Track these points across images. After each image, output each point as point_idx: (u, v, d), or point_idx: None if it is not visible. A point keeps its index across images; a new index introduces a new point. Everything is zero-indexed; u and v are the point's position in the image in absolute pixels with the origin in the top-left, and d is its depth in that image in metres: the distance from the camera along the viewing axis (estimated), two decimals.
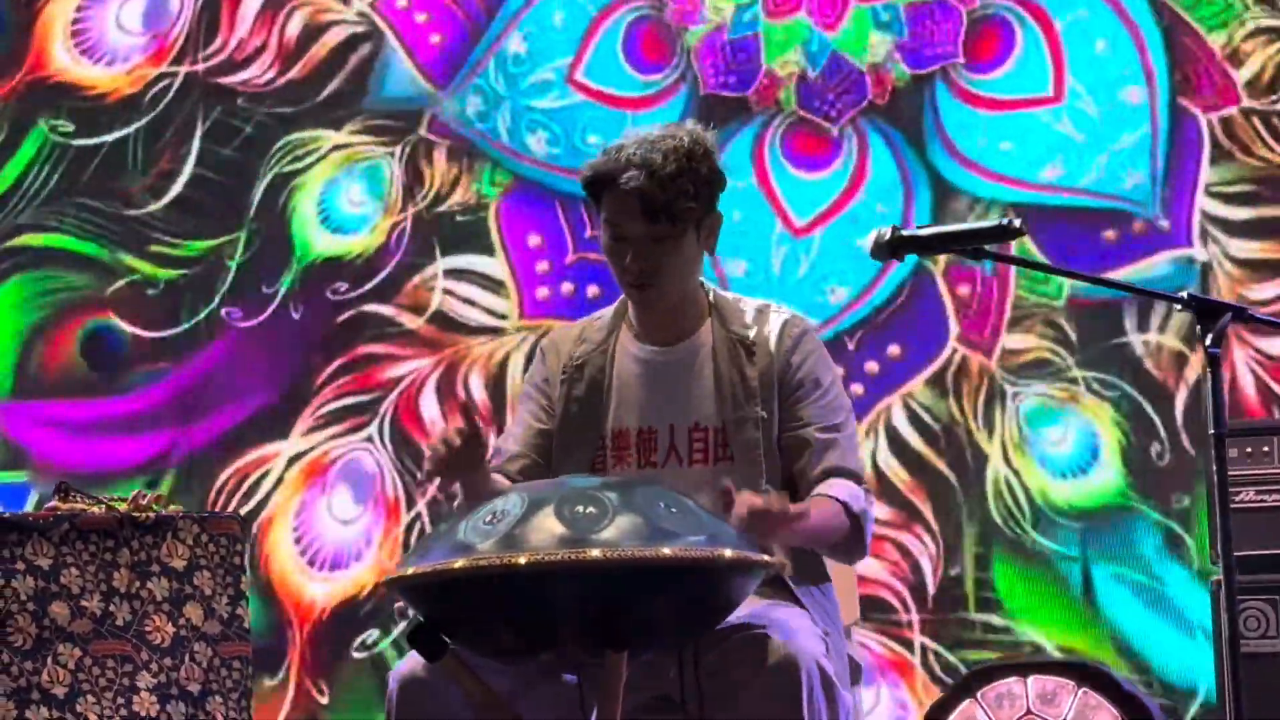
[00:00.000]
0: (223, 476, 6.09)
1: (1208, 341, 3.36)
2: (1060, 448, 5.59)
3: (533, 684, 3.67)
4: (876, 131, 5.75)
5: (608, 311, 4.03)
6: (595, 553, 3.28)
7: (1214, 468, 3.37)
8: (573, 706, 3.63)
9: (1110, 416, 5.56)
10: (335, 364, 6.08)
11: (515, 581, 3.30)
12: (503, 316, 6.01)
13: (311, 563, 6.06)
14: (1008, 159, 5.77)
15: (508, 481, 3.87)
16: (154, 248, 6.21)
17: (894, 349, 5.76)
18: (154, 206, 6.17)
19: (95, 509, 4.14)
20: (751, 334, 3.89)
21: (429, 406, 5.97)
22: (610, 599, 3.35)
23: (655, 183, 3.78)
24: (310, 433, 6.09)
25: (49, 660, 4.03)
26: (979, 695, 3.31)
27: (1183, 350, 5.49)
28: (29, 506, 6.03)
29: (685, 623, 3.49)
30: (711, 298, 3.96)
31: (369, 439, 6.03)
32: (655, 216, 3.80)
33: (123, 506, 4.16)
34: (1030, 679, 3.32)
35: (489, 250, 6.03)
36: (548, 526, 3.32)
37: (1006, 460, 5.55)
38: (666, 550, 3.30)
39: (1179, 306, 3.49)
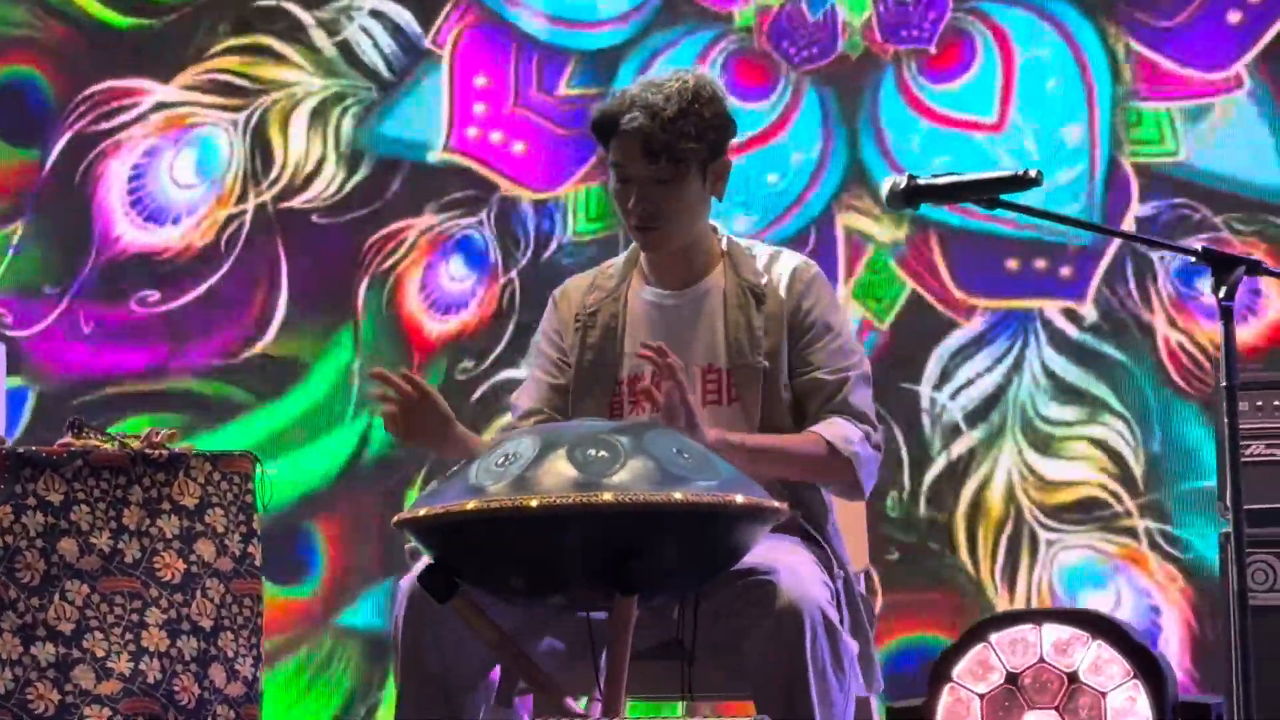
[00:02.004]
0: (84, 93, 6.13)
1: (1221, 295, 3.34)
2: None
3: (542, 625, 3.70)
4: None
5: (619, 260, 4.07)
6: (606, 496, 3.29)
7: (1224, 420, 3.36)
8: (581, 648, 3.65)
9: None
10: (236, 40, 6.11)
11: (526, 524, 3.31)
12: (396, 72, 6.06)
13: (134, 204, 6.11)
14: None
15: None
16: None
17: None
18: None
19: (108, 445, 4.13)
20: (763, 281, 3.94)
21: (298, 125, 6.03)
22: (621, 542, 3.36)
23: (657, 123, 3.82)
24: (186, 90, 6.12)
25: (56, 597, 4.03)
26: (992, 641, 3.32)
27: None
28: (28, 410, 6.06)
29: (695, 567, 3.52)
30: (724, 244, 3.99)
31: (233, 124, 6.08)
32: (656, 157, 3.83)
33: (135, 444, 4.16)
34: (1044, 628, 3.36)
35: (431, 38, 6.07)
36: (560, 469, 3.34)
37: None
38: (677, 495, 3.32)
39: (1193, 259, 3.43)
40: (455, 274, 5.92)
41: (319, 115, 6.02)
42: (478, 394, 5.84)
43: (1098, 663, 3.28)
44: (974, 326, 5.69)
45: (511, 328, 5.87)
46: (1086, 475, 5.55)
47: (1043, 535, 5.56)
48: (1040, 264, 5.68)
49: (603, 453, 3.36)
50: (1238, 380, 3.37)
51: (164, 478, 4.15)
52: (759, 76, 5.73)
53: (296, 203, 6.00)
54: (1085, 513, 5.53)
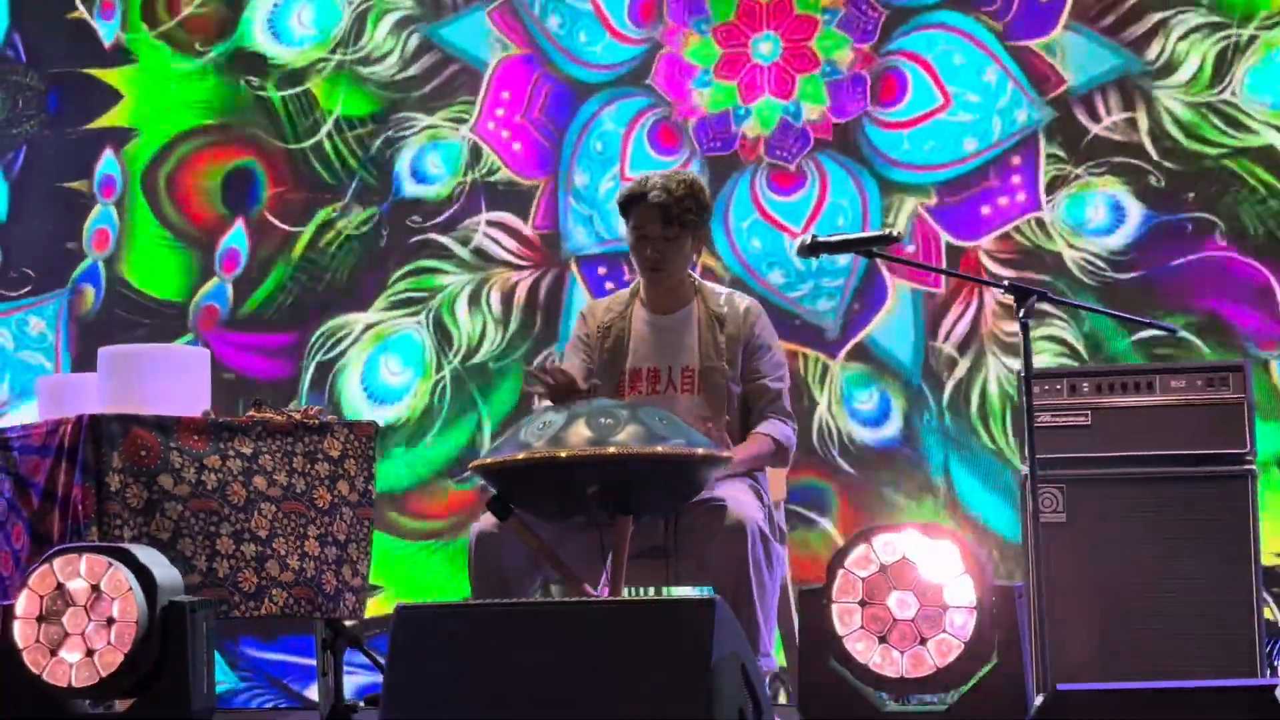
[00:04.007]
0: (318, 331, 5.83)
1: (1021, 314, 3.38)
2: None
3: (569, 537, 3.73)
4: (835, 163, 5.47)
5: (625, 291, 4.10)
6: (612, 449, 3.33)
7: (1023, 399, 3.40)
8: (595, 553, 3.70)
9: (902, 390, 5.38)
10: (410, 265, 5.79)
11: (558, 468, 3.35)
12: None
13: (364, 390, 5.83)
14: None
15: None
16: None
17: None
18: None
19: (279, 417, 4.18)
20: (724, 311, 3.96)
21: (460, 308, 5.70)
22: (621, 481, 3.40)
23: (672, 199, 3.87)
24: (380, 311, 5.77)
25: (255, 513, 4.07)
26: (873, 542, 3.26)
27: (954, 356, 5.31)
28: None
29: (671, 498, 3.55)
30: (696, 284, 4.02)
31: (418, 323, 5.76)
32: (670, 222, 3.89)
33: (297, 416, 4.21)
34: (905, 533, 3.32)
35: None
36: (580, 431, 3.37)
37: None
38: (659, 448, 3.36)
39: (1001, 291, 3.48)
40: None
41: (474, 299, 5.66)
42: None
43: (940, 559, 3.21)
44: None
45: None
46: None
47: None
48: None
49: (609, 420, 3.39)
50: (1032, 372, 3.44)
51: (317, 438, 4.17)
52: (790, 180, 5.43)
53: (475, 360, 5.60)
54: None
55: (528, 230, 5.65)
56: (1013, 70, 5.33)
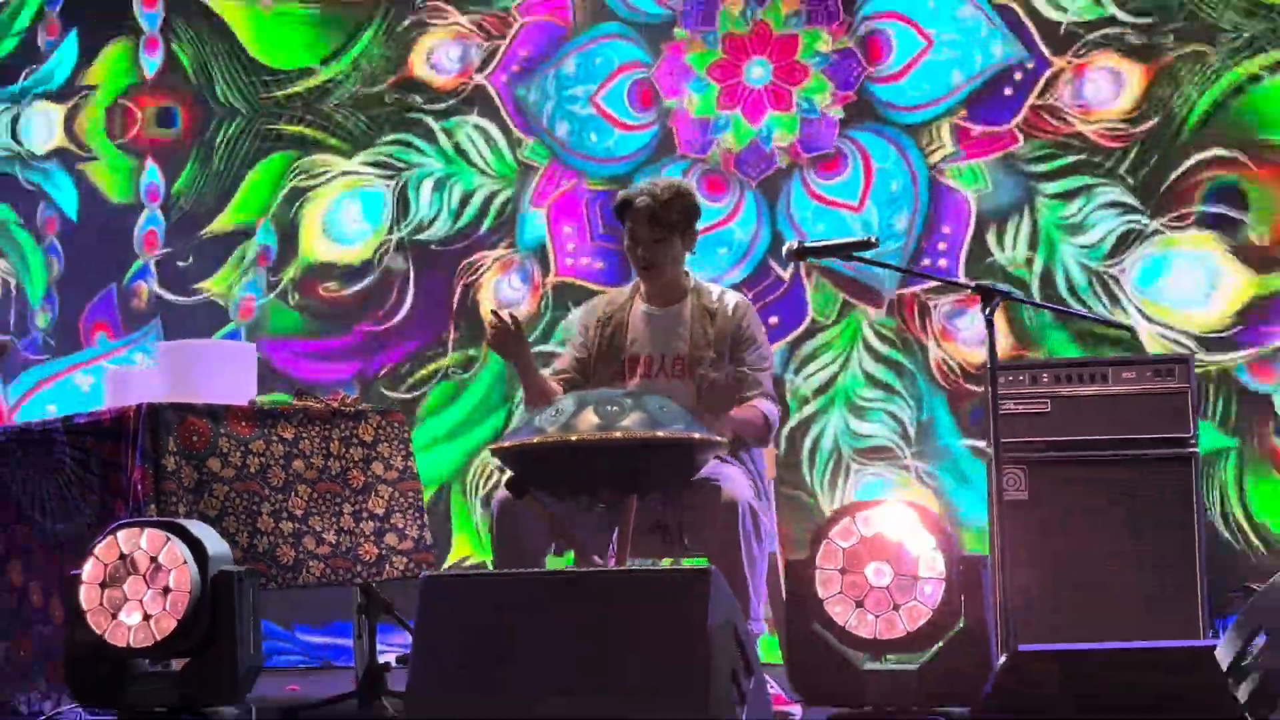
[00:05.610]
0: (297, 164, 6.02)
1: (986, 312, 3.50)
2: None
3: (579, 514, 3.81)
4: (866, 133, 5.48)
5: (627, 287, 4.21)
6: (618, 434, 3.39)
7: (990, 389, 3.52)
8: (603, 527, 3.82)
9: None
10: (392, 136, 5.95)
11: (569, 451, 3.41)
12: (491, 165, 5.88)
13: (325, 231, 6.05)
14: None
15: (556, 385, 4.06)
16: None
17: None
18: None
19: (318, 405, 4.25)
20: (715, 306, 4.06)
21: (426, 188, 5.91)
22: (626, 463, 3.46)
23: (658, 204, 3.99)
24: (361, 164, 6.01)
25: (292, 494, 4.12)
26: (855, 516, 3.33)
27: (808, 395, 5.37)
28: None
29: (671, 478, 3.63)
30: (692, 281, 4.13)
31: (387, 186, 5.94)
32: (656, 225, 4.00)
33: (334, 403, 4.27)
34: (885, 509, 3.35)
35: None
36: (589, 418, 3.43)
37: None
38: (661, 433, 3.41)
39: (969, 290, 3.58)
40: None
41: (440, 184, 5.87)
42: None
43: (915, 533, 3.30)
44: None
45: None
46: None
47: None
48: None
49: (615, 408, 3.44)
50: (998, 364, 3.56)
51: (351, 424, 4.24)
52: (830, 165, 5.49)
53: (420, 237, 5.87)
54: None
55: (506, 150, 5.78)
56: (985, 9, 5.35)
